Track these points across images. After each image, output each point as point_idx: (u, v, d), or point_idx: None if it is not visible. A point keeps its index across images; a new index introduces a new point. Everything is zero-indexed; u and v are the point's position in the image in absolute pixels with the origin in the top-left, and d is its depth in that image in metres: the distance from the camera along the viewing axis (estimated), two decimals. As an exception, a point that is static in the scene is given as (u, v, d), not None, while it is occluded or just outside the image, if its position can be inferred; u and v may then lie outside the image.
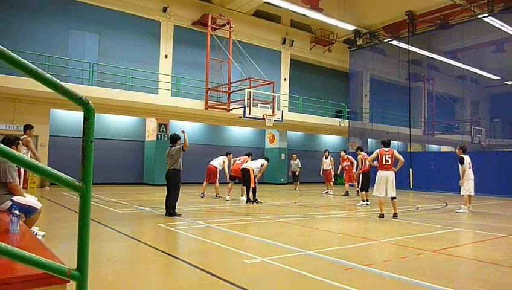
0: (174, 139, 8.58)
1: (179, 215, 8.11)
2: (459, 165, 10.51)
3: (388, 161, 8.74)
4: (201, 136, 21.17)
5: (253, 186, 11.21)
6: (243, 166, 11.54)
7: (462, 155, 10.52)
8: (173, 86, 18.21)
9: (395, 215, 8.73)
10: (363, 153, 12.42)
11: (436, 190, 18.04)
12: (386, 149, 8.93)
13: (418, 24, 20.95)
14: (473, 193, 10.55)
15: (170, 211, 8.14)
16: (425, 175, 18.63)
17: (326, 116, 23.07)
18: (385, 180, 8.66)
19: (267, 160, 12.32)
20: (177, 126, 16.81)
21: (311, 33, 23.89)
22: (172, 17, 18.49)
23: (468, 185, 10.41)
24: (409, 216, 9.37)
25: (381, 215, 8.67)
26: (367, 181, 11.86)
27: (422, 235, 6.66)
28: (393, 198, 8.67)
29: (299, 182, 17.78)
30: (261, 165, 11.70)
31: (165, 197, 8.40)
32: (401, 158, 8.97)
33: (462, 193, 10.55)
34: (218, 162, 12.95)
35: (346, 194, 15.11)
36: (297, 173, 17.54)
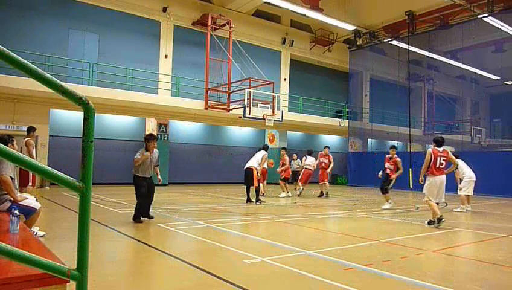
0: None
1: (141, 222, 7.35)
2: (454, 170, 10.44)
3: (442, 164, 7.51)
4: (201, 136, 21.18)
5: (256, 185, 11.03)
6: (246, 165, 11.29)
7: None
8: (173, 86, 18.23)
9: (433, 221, 7.64)
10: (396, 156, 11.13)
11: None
12: (440, 149, 7.59)
13: (418, 24, 20.96)
14: (471, 194, 10.52)
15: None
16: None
17: (326, 116, 23.08)
18: (439, 185, 7.55)
19: (266, 149, 11.77)
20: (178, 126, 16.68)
21: (311, 33, 23.90)
22: (172, 17, 18.50)
23: (467, 186, 10.39)
24: (409, 216, 9.37)
25: (439, 219, 7.43)
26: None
27: (422, 235, 6.66)
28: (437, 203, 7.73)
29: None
30: (262, 158, 11.36)
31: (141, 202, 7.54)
32: (456, 160, 7.92)
33: (459, 193, 10.55)
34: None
35: (321, 195, 14.36)
36: (299, 172, 17.50)
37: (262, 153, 11.46)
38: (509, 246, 6.12)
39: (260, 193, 12.48)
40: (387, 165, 11.08)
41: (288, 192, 13.93)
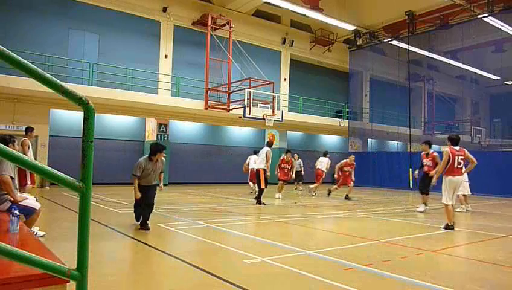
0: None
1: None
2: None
3: (460, 164, 7.16)
4: (201, 136, 21.18)
5: (263, 187, 10.77)
6: (256, 167, 11.23)
7: None
8: (173, 86, 18.23)
9: (451, 227, 7.20)
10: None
11: (436, 190, 18.01)
12: (457, 148, 7.21)
13: (418, 24, 20.96)
14: (467, 193, 10.48)
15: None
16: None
17: (326, 116, 23.09)
18: (456, 186, 7.19)
19: (269, 145, 11.35)
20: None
21: (311, 33, 23.90)
22: (172, 17, 18.50)
23: (462, 185, 10.35)
24: (409, 216, 9.37)
25: (451, 227, 7.13)
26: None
27: (422, 235, 6.66)
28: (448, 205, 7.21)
29: (301, 182, 17.58)
30: (266, 155, 10.92)
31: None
32: (474, 159, 7.38)
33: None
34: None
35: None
36: (301, 172, 17.44)
37: (265, 149, 11.07)
38: (509, 246, 6.12)
39: (254, 192, 12.66)
40: (425, 162, 10.24)
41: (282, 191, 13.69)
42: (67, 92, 1.59)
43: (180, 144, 20.09)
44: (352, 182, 13.52)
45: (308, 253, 4.99)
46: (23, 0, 15.37)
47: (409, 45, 21.14)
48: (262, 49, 21.55)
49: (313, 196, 14.46)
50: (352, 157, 13.82)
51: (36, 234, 5.34)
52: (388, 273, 4.13)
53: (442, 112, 29.00)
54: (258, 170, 10.96)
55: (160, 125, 18.46)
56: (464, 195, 10.44)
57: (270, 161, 11.05)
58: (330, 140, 26.46)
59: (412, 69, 22.87)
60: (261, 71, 17.83)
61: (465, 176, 10.30)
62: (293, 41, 22.69)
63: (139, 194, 6.61)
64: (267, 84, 16.89)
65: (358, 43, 23.44)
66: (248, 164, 14.77)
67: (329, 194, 13.99)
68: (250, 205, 10.92)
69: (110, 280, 3.83)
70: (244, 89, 16.18)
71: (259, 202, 10.89)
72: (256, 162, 12.75)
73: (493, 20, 18.76)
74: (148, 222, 6.65)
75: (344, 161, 13.74)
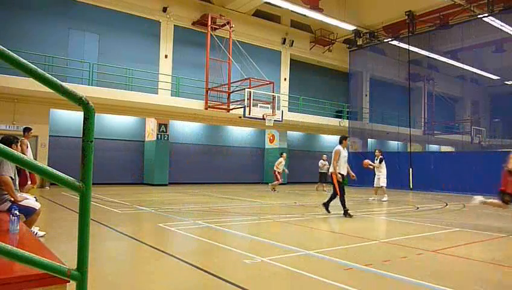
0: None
1: None
2: (380, 163, 12.90)
3: None
4: (201, 136, 21.19)
5: (337, 192, 8.87)
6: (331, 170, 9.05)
7: (381, 156, 12.97)
8: (173, 86, 18.24)
9: None
10: None
11: (436, 189, 18.04)
12: None
13: (418, 24, 20.97)
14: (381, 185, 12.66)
15: None
16: (425, 175, 18.63)
17: (326, 116, 23.08)
18: None
19: (340, 141, 9.01)
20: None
21: (311, 33, 23.90)
22: (172, 17, 18.50)
23: (384, 180, 12.65)
24: (409, 216, 9.37)
25: None
26: None
27: (422, 235, 6.65)
28: None
29: (324, 183, 16.49)
30: (334, 155, 8.79)
31: None
32: None
33: (381, 185, 12.65)
34: None
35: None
36: (328, 173, 17.19)
37: (335, 148, 8.89)
38: (509, 246, 6.12)
39: (272, 189, 12.94)
40: None
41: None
42: (67, 92, 1.59)
43: (180, 144, 20.09)
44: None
45: (308, 253, 4.99)
46: (23, 0, 15.37)
47: (409, 45, 21.14)
48: (262, 49, 21.56)
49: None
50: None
51: (36, 234, 5.34)
52: (388, 273, 4.13)
53: (442, 112, 29.02)
54: (330, 175, 9.11)
55: (160, 125, 18.46)
56: (380, 187, 12.63)
57: (338, 161, 8.72)
58: (330, 140, 26.44)
59: (412, 69, 22.87)
60: (261, 71, 17.84)
61: (384, 173, 12.58)
62: (293, 41, 22.69)
63: None
64: (267, 84, 16.89)
65: (358, 43, 23.44)
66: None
67: None
68: (251, 205, 10.92)
69: (110, 280, 3.83)
70: (244, 89, 16.19)
71: (326, 207, 9.19)
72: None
73: (493, 20, 18.76)
74: None
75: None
